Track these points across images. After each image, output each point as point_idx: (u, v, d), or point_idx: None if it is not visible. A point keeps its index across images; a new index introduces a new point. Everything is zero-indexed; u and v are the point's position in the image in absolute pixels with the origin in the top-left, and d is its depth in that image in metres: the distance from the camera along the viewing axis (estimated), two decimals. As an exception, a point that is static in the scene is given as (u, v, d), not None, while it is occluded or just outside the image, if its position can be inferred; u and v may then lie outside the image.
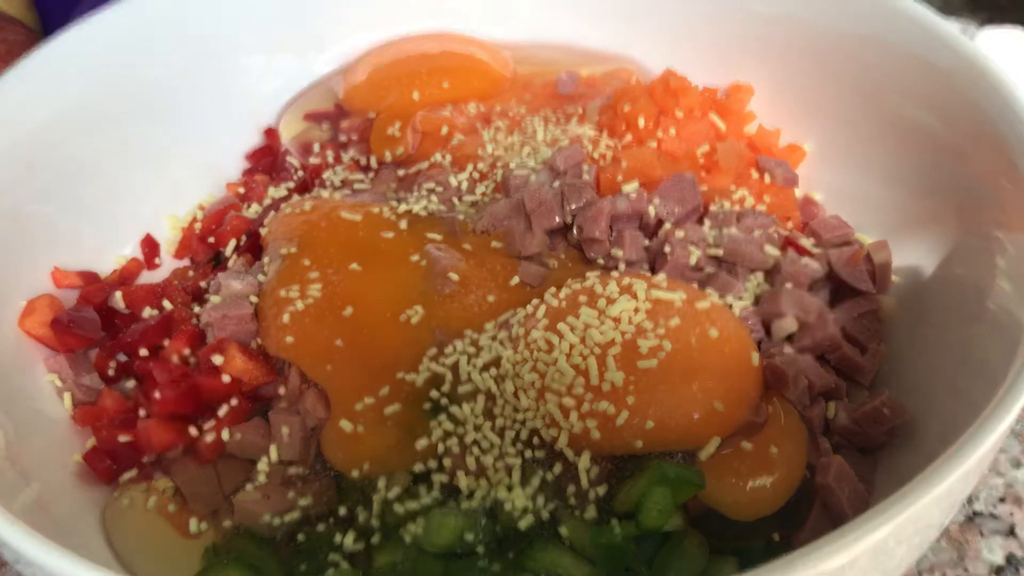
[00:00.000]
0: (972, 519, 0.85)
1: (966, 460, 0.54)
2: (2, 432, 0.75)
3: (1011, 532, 0.84)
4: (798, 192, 1.00)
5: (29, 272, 0.90)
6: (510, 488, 0.74)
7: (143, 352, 0.88)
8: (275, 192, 1.04)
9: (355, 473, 0.77)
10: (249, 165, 1.12)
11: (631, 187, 0.90)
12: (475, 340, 0.82)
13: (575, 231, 0.90)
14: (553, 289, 0.83)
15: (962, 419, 0.59)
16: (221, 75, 1.10)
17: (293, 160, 1.09)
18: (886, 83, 0.93)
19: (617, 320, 0.76)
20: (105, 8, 1.00)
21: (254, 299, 0.89)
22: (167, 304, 0.92)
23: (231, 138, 1.11)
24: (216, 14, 1.08)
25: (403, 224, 0.93)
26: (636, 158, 0.94)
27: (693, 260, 0.85)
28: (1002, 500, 0.86)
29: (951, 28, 0.86)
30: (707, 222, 0.90)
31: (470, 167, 1.00)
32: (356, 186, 1.03)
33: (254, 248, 0.98)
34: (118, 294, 0.93)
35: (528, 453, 0.76)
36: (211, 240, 0.99)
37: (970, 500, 0.86)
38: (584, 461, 0.74)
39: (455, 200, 0.97)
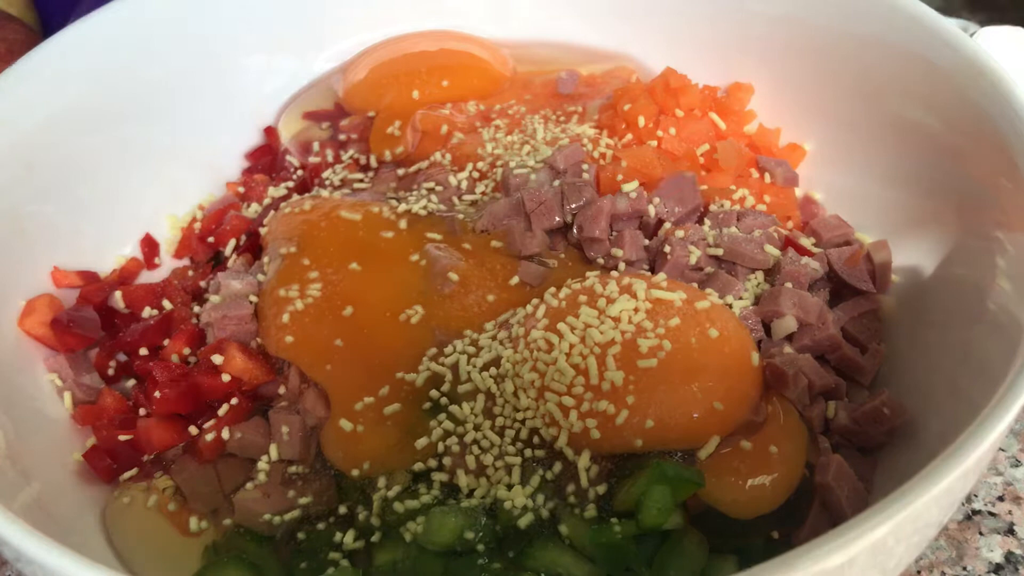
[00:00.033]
0: (971, 518, 0.85)
1: (965, 459, 0.54)
2: (2, 432, 0.75)
3: (1010, 531, 0.84)
4: (798, 192, 1.00)
5: (29, 272, 0.90)
6: (510, 487, 0.74)
7: (143, 352, 0.89)
8: (275, 191, 1.04)
9: (355, 472, 0.77)
10: (249, 164, 1.12)
11: (631, 186, 0.90)
12: (475, 340, 0.82)
13: (575, 230, 0.90)
14: (553, 289, 0.83)
15: (962, 418, 0.59)
16: (221, 75, 1.10)
17: (293, 159, 1.09)
18: (886, 82, 0.93)
19: (617, 320, 0.76)
20: (105, 8, 1.00)
21: (254, 299, 0.89)
22: (167, 304, 0.92)
23: (231, 138, 1.12)
24: (216, 14, 1.08)
25: (403, 223, 0.93)
26: (636, 157, 0.94)
27: (693, 260, 0.85)
28: (1001, 499, 0.86)
29: (951, 27, 0.86)
30: (707, 222, 0.90)
31: (470, 166, 1.00)
32: (356, 185, 1.03)
33: (254, 248, 0.98)
34: (118, 294, 0.93)
35: (528, 452, 0.76)
36: (211, 240, 1.00)
37: (969, 499, 0.86)
38: (584, 460, 0.74)
39: (455, 199, 0.97)
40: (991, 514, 0.85)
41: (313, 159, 1.09)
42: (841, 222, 0.94)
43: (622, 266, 0.87)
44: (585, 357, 0.75)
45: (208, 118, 1.09)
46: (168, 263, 1.02)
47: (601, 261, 0.88)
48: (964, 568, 0.81)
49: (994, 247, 0.76)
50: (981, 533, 0.84)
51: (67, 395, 0.86)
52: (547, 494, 0.74)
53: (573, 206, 0.90)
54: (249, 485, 0.78)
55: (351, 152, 1.08)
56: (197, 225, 1.03)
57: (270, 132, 1.13)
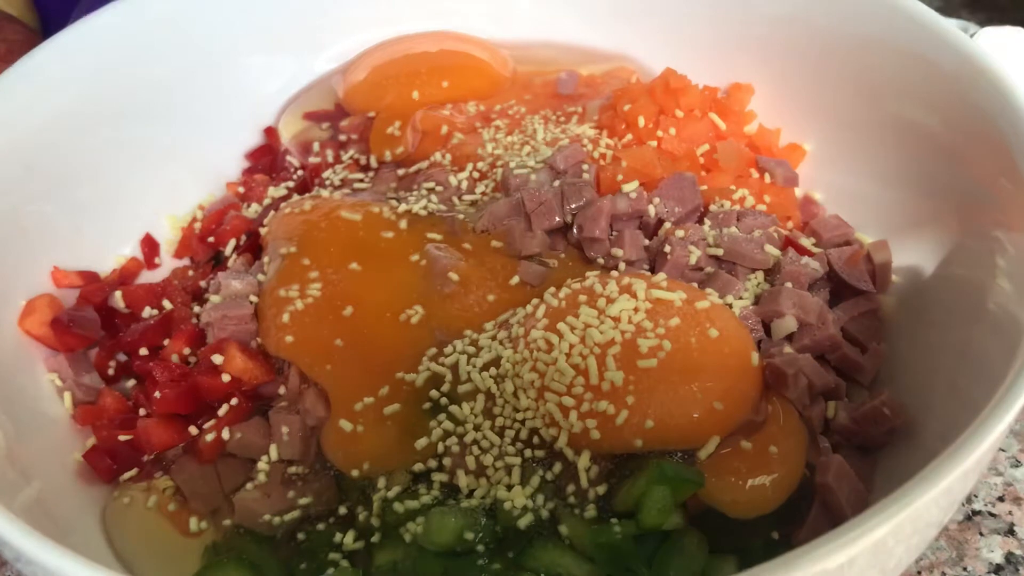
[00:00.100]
0: (971, 518, 0.85)
1: (965, 459, 0.54)
2: (2, 432, 0.75)
3: (1010, 531, 0.84)
4: (798, 192, 1.00)
5: (29, 272, 0.90)
6: (510, 487, 0.74)
7: (143, 352, 0.88)
8: (275, 192, 1.04)
9: (355, 472, 0.77)
10: (249, 165, 1.12)
11: (631, 187, 0.90)
12: (475, 340, 0.82)
13: (575, 230, 0.90)
14: (553, 289, 0.83)
15: (962, 419, 0.59)
16: (221, 75, 1.10)
17: (293, 159, 1.09)
18: (886, 82, 0.93)
19: (617, 320, 0.76)
20: (105, 8, 1.00)
21: (254, 299, 0.89)
22: (167, 304, 0.92)
23: (231, 138, 1.12)
24: (216, 14, 1.08)
25: (403, 224, 0.93)
26: (636, 158, 0.94)
27: (693, 260, 0.85)
28: (1001, 499, 0.86)
29: (951, 27, 0.86)
30: (707, 222, 0.90)
31: (470, 166, 1.00)
32: (356, 185, 1.03)
33: (254, 248, 0.98)
34: (118, 294, 0.93)
35: (528, 452, 0.76)
36: (211, 240, 0.99)
37: (969, 499, 0.86)
38: (584, 460, 0.74)
39: (455, 199, 0.97)
40: (991, 514, 0.85)
41: (313, 159, 1.09)
42: (841, 222, 0.94)
43: (622, 266, 0.87)
44: (585, 357, 0.75)
45: (208, 118, 1.09)
46: (168, 263, 1.02)
47: (601, 261, 0.88)
48: (964, 568, 0.81)
49: (994, 247, 0.76)
50: (981, 533, 0.84)
51: (67, 395, 0.86)
52: (547, 494, 0.74)
53: (573, 206, 0.90)
54: (249, 485, 0.78)
55: (351, 152, 1.08)
56: (197, 225, 1.03)
57: (270, 132, 1.13)
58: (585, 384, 0.74)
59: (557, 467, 0.75)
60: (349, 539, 0.74)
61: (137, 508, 0.80)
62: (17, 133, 0.90)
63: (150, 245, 1.02)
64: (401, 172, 1.04)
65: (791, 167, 0.99)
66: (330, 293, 0.86)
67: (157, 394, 0.82)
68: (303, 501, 0.77)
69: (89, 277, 0.95)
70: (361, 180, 1.04)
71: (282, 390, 0.84)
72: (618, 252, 0.87)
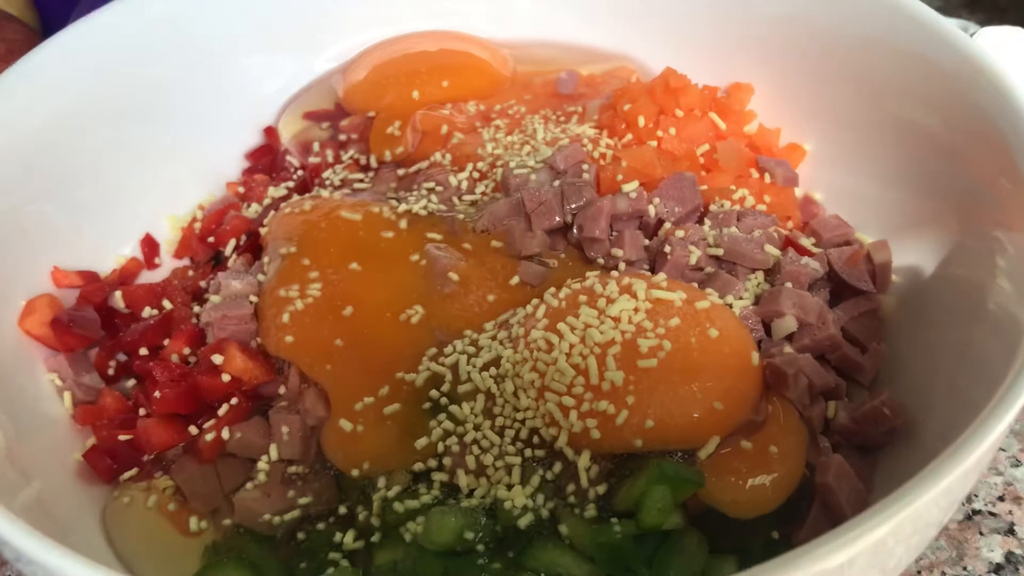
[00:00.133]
0: (971, 518, 0.85)
1: (965, 459, 0.54)
2: (2, 432, 0.75)
3: (1010, 531, 0.84)
4: (798, 192, 1.00)
5: (29, 272, 0.90)
6: (510, 487, 0.74)
7: (143, 352, 0.88)
8: (275, 192, 1.04)
9: (355, 472, 0.77)
10: (249, 164, 1.12)
11: (631, 186, 0.90)
12: (475, 340, 0.82)
13: (575, 230, 0.90)
14: (553, 289, 0.83)
15: (962, 418, 0.59)
16: (221, 75, 1.10)
17: (293, 159, 1.09)
18: (886, 82, 0.93)
19: (617, 320, 0.76)
20: (105, 8, 1.00)
21: (254, 299, 0.89)
22: (167, 304, 0.92)
23: (231, 138, 1.12)
24: (216, 14, 1.08)
25: (403, 224, 0.93)
26: (636, 157, 0.94)
27: (693, 260, 0.85)
28: (1001, 499, 0.86)
29: (951, 27, 0.86)
30: (707, 222, 0.90)
31: (470, 166, 1.00)
32: (356, 185, 1.03)
33: (254, 248, 0.98)
34: (118, 294, 0.93)
35: (528, 452, 0.76)
36: (211, 240, 0.99)
37: (969, 499, 0.86)
38: (584, 460, 0.74)
39: (455, 199, 0.97)
40: (991, 514, 0.85)
41: (313, 159, 1.09)
42: (841, 222, 0.94)
43: (622, 266, 0.87)
44: (585, 357, 0.75)
45: (208, 118, 1.09)
46: (168, 263, 1.02)
47: (601, 261, 0.88)
48: (964, 568, 0.81)
49: (994, 247, 0.76)
50: (981, 533, 0.84)
51: (67, 395, 0.86)
52: (547, 494, 0.74)
53: (573, 206, 0.90)
54: (249, 485, 0.78)
55: (351, 152, 1.08)
56: (197, 225, 1.03)
57: (270, 132, 1.13)
58: (585, 384, 0.74)
59: (557, 467, 0.75)
60: (349, 539, 0.74)
61: (137, 508, 0.80)
62: (17, 133, 0.90)
63: (150, 245, 1.02)
64: (401, 172, 1.04)
65: (791, 167, 0.99)
66: (330, 293, 0.86)
67: (157, 394, 0.82)
68: (303, 501, 0.77)
69: (89, 277, 0.95)
70: (361, 180, 1.04)
71: (282, 390, 0.84)
72: (618, 252, 0.87)
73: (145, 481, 0.82)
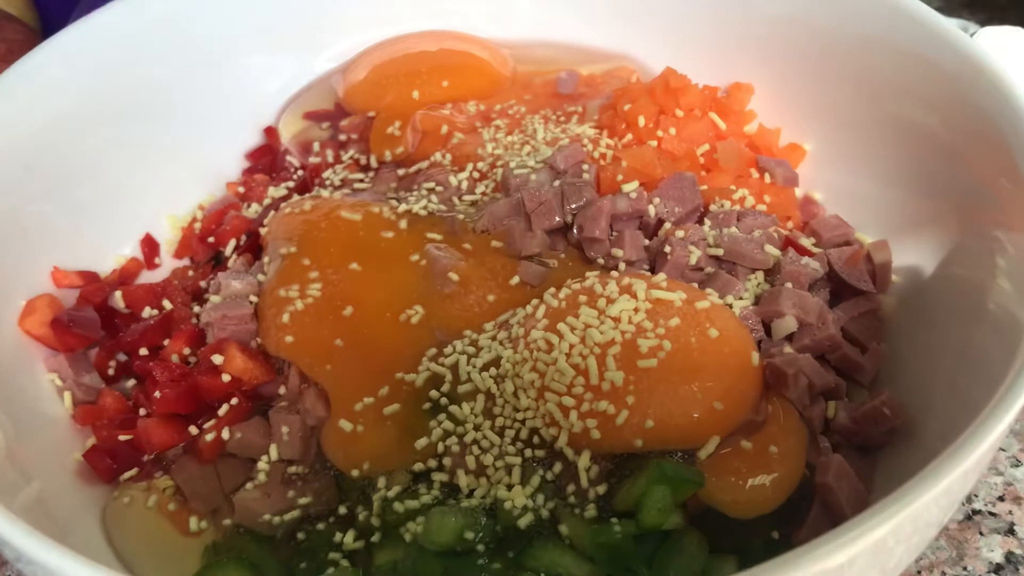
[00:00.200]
0: (971, 517, 0.85)
1: (965, 459, 0.54)
2: (2, 432, 0.75)
3: (1010, 530, 0.84)
4: (798, 192, 1.00)
5: (29, 272, 0.90)
6: (510, 487, 0.74)
7: (143, 352, 0.88)
8: (275, 192, 1.04)
9: (355, 472, 0.77)
10: (249, 164, 1.12)
11: (631, 187, 0.90)
12: (475, 340, 0.82)
13: (575, 230, 0.90)
14: (553, 289, 0.83)
15: (962, 418, 0.59)
16: (221, 75, 1.10)
17: (293, 159, 1.09)
18: (886, 82, 0.93)
19: (617, 320, 0.76)
20: (105, 8, 1.00)
21: (254, 299, 0.89)
22: (167, 304, 0.92)
23: (231, 138, 1.12)
24: (216, 14, 1.08)
25: (403, 224, 0.93)
26: (636, 157, 0.94)
27: (693, 260, 0.85)
28: (1001, 499, 0.86)
29: (951, 27, 0.86)
30: (707, 222, 0.90)
31: (470, 166, 1.00)
32: (356, 185, 1.03)
33: (254, 248, 0.98)
34: (118, 294, 0.93)
35: (528, 452, 0.76)
36: (211, 240, 1.00)
37: (969, 499, 0.86)
38: (584, 460, 0.74)
39: (455, 199, 0.97)
40: (991, 514, 0.85)
41: (313, 159, 1.09)
42: (841, 222, 0.94)
43: (622, 266, 0.87)
44: (585, 357, 0.75)
45: (208, 118, 1.09)
46: (168, 263, 1.02)
47: (601, 261, 0.88)
48: (964, 568, 0.81)
49: (994, 247, 0.76)
50: (981, 533, 0.84)
51: (67, 395, 0.86)
52: (547, 494, 0.74)
53: (573, 206, 0.90)
54: (249, 485, 0.78)
55: (351, 152, 1.08)
56: (197, 225, 1.03)
57: (270, 132, 1.13)
58: (585, 384, 0.74)
59: (557, 467, 0.75)
60: (349, 539, 0.74)
61: (137, 508, 0.80)
62: (17, 133, 0.90)
63: (150, 245, 1.02)
64: (401, 172, 1.04)
65: (791, 167, 0.99)
66: (330, 293, 0.86)
67: (157, 394, 0.82)
68: (303, 501, 0.77)
69: (89, 277, 0.95)
70: (361, 180, 1.04)
71: (282, 390, 0.84)
72: (618, 252, 0.87)
73: (145, 481, 0.82)
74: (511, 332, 0.81)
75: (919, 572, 0.81)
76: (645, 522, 0.69)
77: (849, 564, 0.51)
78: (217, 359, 0.83)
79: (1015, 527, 0.84)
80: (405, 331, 0.84)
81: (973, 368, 0.71)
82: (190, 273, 0.98)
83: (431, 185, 0.99)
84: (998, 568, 0.81)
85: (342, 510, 0.77)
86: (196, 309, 0.92)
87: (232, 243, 0.98)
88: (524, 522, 0.72)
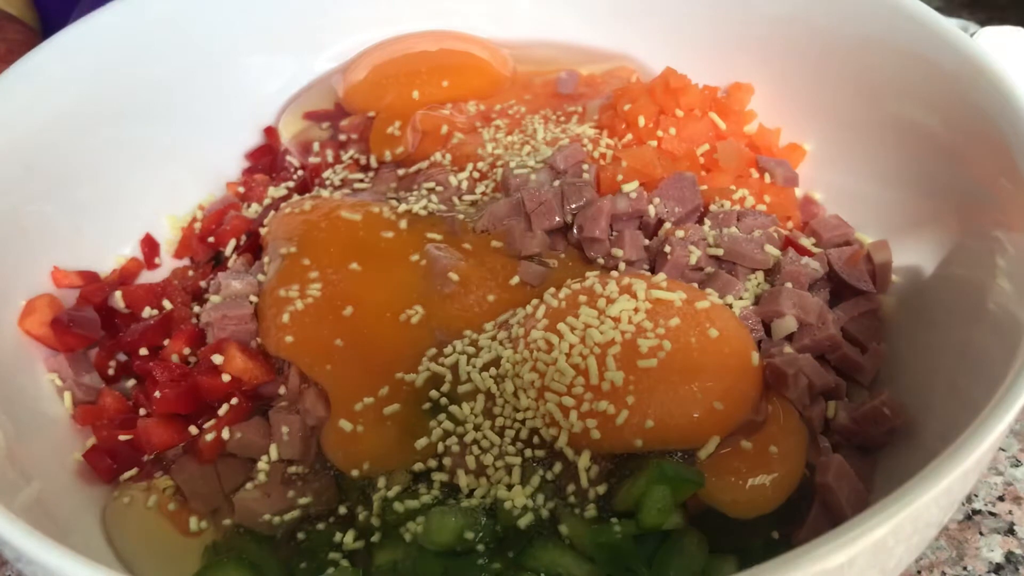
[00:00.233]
0: (971, 517, 0.85)
1: (965, 459, 0.54)
2: (2, 432, 0.75)
3: (1010, 530, 0.84)
4: (798, 192, 1.00)
5: (29, 272, 0.90)
6: (510, 487, 0.74)
7: (143, 352, 0.88)
8: (275, 192, 1.04)
9: (355, 472, 0.77)
10: (249, 164, 1.12)
11: (631, 186, 0.90)
12: (475, 340, 0.82)
13: (575, 230, 0.90)
14: (553, 289, 0.83)
15: (962, 418, 0.59)
16: (221, 75, 1.10)
17: (293, 159, 1.09)
18: (886, 82, 0.93)
19: (617, 320, 0.76)
20: (105, 8, 1.00)
21: (254, 299, 0.89)
22: (167, 304, 0.92)
23: (231, 138, 1.12)
24: (216, 14, 1.08)
25: (403, 224, 0.93)
26: (636, 157, 0.94)
27: (693, 260, 0.85)
28: (1001, 499, 0.86)
29: (951, 27, 0.86)
30: (707, 222, 0.90)
31: (470, 166, 1.00)
32: (356, 185, 1.03)
33: (254, 248, 0.98)
34: (118, 294, 0.93)
35: (528, 452, 0.76)
36: (211, 240, 1.00)
37: (969, 499, 0.86)
38: (584, 460, 0.74)
39: (455, 199, 0.97)
40: (991, 514, 0.85)
41: (313, 159, 1.09)
42: (841, 222, 0.94)
43: (622, 266, 0.87)
44: (585, 357, 0.75)
45: (208, 118, 1.09)
46: (168, 263, 1.02)
47: (601, 261, 0.88)
48: (964, 568, 0.81)
49: (994, 247, 0.76)
50: (981, 533, 0.84)
51: (67, 395, 0.86)
52: (547, 494, 0.74)
53: (573, 206, 0.90)
54: (249, 485, 0.78)
55: (351, 152, 1.08)
56: (197, 225, 1.03)
57: (270, 132, 1.13)
58: (585, 384, 0.74)
59: (557, 467, 0.75)
60: (349, 539, 0.74)
61: (137, 508, 0.80)
62: (17, 133, 0.90)
63: (150, 245, 1.02)
64: (401, 172, 1.04)
65: (791, 167, 0.99)
66: (330, 293, 0.86)
67: (157, 394, 0.82)
68: (303, 501, 0.77)
69: (89, 277, 0.95)
70: (361, 180, 1.04)
71: (282, 390, 0.84)
72: (618, 252, 0.87)
73: (145, 481, 0.82)
74: (511, 332, 0.81)
75: (919, 572, 0.81)
76: (645, 522, 0.69)
77: (849, 564, 0.51)
78: (217, 359, 0.83)
79: (1015, 527, 0.84)
80: (405, 331, 0.84)
81: (973, 368, 0.71)
82: (190, 273, 0.98)
83: (431, 185, 0.99)
84: (998, 568, 0.81)
85: (342, 510, 0.77)
86: (196, 309, 0.92)
87: (232, 243, 0.98)
88: (524, 522, 0.72)
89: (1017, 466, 0.89)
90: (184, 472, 0.81)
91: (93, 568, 0.54)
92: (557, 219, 0.90)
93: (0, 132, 0.88)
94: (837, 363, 0.83)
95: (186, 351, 0.88)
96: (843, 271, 0.88)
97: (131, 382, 0.90)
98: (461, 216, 0.94)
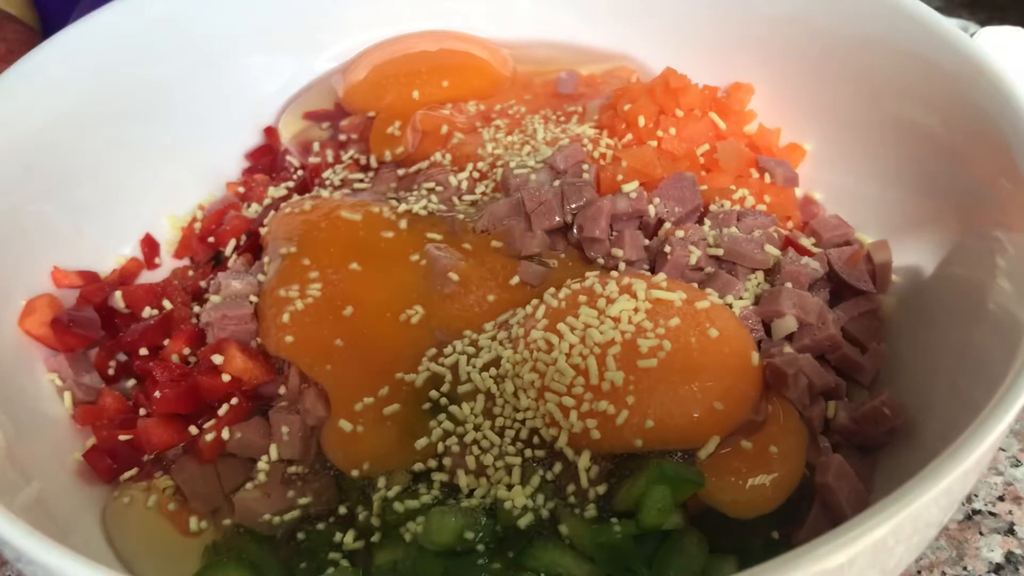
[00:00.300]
0: (971, 517, 0.85)
1: (965, 459, 0.54)
2: (2, 432, 0.75)
3: (1010, 530, 0.84)
4: (798, 192, 1.00)
5: (29, 272, 0.90)
6: (510, 487, 0.74)
7: (143, 352, 0.88)
8: (275, 192, 1.04)
9: (355, 472, 0.77)
10: (249, 164, 1.12)
11: (631, 186, 0.90)
12: (475, 340, 0.82)
13: (575, 230, 0.90)
14: (552, 289, 0.83)
15: (962, 418, 0.59)
16: (221, 75, 1.10)
17: (293, 159, 1.09)
18: (886, 82, 0.93)
19: (617, 320, 0.76)
20: (105, 8, 1.00)
21: (254, 299, 0.89)
22: (167, 304, 0.92)
23: (231, 138, 1.12)
24: (216, 14, 1.08)
25: (403, 224, 0.93)
26: (636, 157, 0.94)
27: (693, 260, 0.85)
28: (1001, 499, 0.86)
29: (951, 27, 0.86)
30: (707, 222, 0.90)
31: (470, 166, 1.00)
32: (356, 185, 1.03)
33: (254, 248, 0.98)
34: (118, 294, 0.93)
35: (528, 452, 0.76)
36: (211, 240, 1.00)
37: (969, 499, 0.86)
38: (584, 460, 0.74)
39: (455, 199, 0.97)
40: (991, 514, 0.85)
41: (313, 159, 1.09)
42: (841, 222, 0.94)
43: (622, 266, 0.87)
44: (585, 357, 0.75)
45: (208, 118, 1.09)
46: (168, 263, 1.02)
47: (601, 261, 0.88)
48: (964, 568, 0.81)
49: (994, 247, 0.76)
50: (981, 533, 0.84)
51: (67, 395, 0.86)
52: (547, 494, 0.74)
53: (573, 206, 0.90)
54: (249, 485, 0.78)
55: (351, 152, 1.08)
56: (197, 225, 1.03)
57: (270, 132, 1.13)
58: (585, 384, 0.74)
59: (557, 467, 0.75)
60: (349, 539, 0.74)
61: (137, 508, 0.80)
62: (17, 133, 0.90)
63: (150, 245, 1.02)
64: (401, 172, 1.04)
65: (791, 167, 0.99)
66: (330, 293, 0.86)
67: (157, 394, 0.82)
68: (303, 501, 0.77)
69: (89, 277, 0.95)
70: (361, 180, 1.04)
71: (282, 390, 0.84)
72: (618, 252, 0.87)
73: (145, 481, 0.82)
74: (511, 332, 0.81)
75: (919, 572, 0.81)
76: (645, 522, 0.69)
77: (849, 564, 0.51)
78: (217, 359, 0.83)
79: (1015, 527, 0.84)
80: (405, 331, 0.84)
81: (973, 368, 0.71)
82: (190, 273, 0.98)
83: (431, 185, 0.99)
84: (998, 568, 0.81)
85: (342, 510, 0.77)
86: (196, 309, 0.92)
87: (232, 243, 0.98)
88: (524, 522, 0.72)
89: (1017, 466, 0.89)
90: (184, 472, 0.81)
91: (93, 568, 0.54)
92: (557, 219, 0.90)
93: (0, 132, 0.88)
94: (837, 363, 0.83)
95: (186, 351, 0.88)
96: (843, 271, 0.88)
97: (131, 382, 0.90)
98: (461, 216, 0.94)
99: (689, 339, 0.75)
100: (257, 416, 0.83)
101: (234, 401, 0.82)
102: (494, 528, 0.72)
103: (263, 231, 0.96)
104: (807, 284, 0.85)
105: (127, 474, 0.82)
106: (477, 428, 0.77)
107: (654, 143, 0.98)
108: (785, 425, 0.76)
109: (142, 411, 0.85)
